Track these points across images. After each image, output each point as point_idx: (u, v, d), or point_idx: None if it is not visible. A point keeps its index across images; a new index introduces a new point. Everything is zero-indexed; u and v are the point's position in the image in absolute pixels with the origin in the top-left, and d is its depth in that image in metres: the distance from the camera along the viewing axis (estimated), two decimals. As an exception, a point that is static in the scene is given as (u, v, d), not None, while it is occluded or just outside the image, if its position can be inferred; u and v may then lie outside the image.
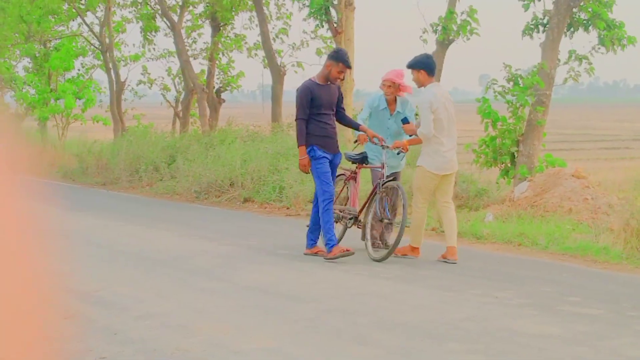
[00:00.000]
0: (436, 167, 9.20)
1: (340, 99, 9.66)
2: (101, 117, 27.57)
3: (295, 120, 9.52)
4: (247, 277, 8.35)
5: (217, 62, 22.45)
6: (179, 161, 17.22)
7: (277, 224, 12.77)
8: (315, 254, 9.58)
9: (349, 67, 9.57)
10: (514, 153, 14.06)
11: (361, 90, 70.97)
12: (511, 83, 13.98)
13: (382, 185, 9.45)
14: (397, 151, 9.62)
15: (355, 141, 9.94)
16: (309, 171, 9.46)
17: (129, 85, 25.71)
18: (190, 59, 22.53)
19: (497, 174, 14.05)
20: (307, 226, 10.34)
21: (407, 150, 9.73)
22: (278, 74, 19.78)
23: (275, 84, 19.85)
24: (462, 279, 8.32)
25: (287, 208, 14.02)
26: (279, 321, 6.55)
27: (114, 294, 7.60)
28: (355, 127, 9.76)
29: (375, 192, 9.56)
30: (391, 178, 9.55)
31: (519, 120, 14.10)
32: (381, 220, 9.65)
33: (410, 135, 9.54)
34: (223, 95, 22.56)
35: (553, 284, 8.07)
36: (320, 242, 9.68)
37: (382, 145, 9.54)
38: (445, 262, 9.16)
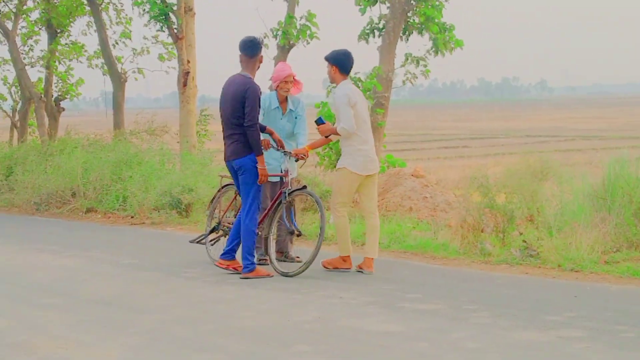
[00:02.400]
0: (360, 167, 8.79)
1: None
2: None
3: (250, 125, 8.48)
4: (89, 290, 8.16)
5: (55, 69, 21.77)
6: (17, 172, 16.65)
7: (121, 233, 12.55)
8: (233, 269, 8.83)
9: None
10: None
11: (206, 96, 70.60)
12: (351, 86, 14.21)
13: (289, 194, 8.89)
14: (293, 158, 9.08)
15: None
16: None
17: (-39, 95, 24.61)
18: (27, 67, 21.81)
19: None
20: (191, 241, 10.09)
21: (308, 156, 9.19)
22: (119, 80, 19.45)
23: (117, 91, 19.50)
24: (308, 281, 8.41)
25: (132, 217, 13.80)
26: (121, 334, 6.43)
27: (-53, 314, 7.26)
28: (262, 129, 8.90)
29: (280, 202, 8.96)
30: (301, 186, 9.06)
31: (360, 122, 14.36)
32: (291, 233, 9.11)
33: (327, 136, 9.10)
34: (63, 104, 21.94)
35: (395, 282, 8.27)
36: (239, 257, 8.89)
37: (283, 152, 9.01)
38: (361, 272, 8.81)
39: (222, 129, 8.90)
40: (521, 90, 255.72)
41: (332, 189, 9.13)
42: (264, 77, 9.42)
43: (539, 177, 12.12)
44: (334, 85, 9.24)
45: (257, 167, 8.60)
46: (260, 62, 8.86)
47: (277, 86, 9.34)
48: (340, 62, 8.97)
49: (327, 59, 9.05)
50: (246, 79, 8.65)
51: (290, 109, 9.45)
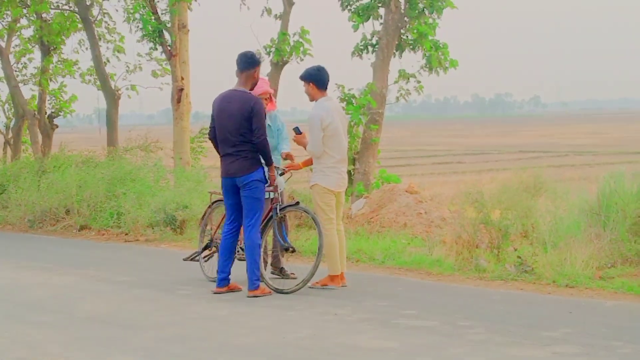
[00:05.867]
0: (331, 183, 8.83)
1: None
2: None
3: (263, 139, 8.51)
4: (84, 308, 8.13)
5: (47, 87, 21.72)
6: (10, 190, 16.61)
7: (116, 250, 12.52)
8: (230, 290, 8.75)
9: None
10: (350, 171, 14.34)
11: (200, 112, 70.56)
12: (345, 102, 14.28)
13: (280, 210, 8.88)
14: (279, 171, 9.09)
15: None
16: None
17: (-47, 112, 24.57)
18: (21, 84, 21.82)
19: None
20: (185, 259, 10.00)
21: (296, 168, 9.23)
22: (112, 97, 19.44)
23: (110, 108, 19.49)
24: (303, 297, 8.39)
25: (126, 234, 13.77)
26: (116, 352, 6.40)
27: (-60, 332, 7.23)
28: None
29: (271, 218, 8.90)
30: (294, 202, 9.07)
31: (354, 138, 14.42)
32: (286, 249, 8.96)
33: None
34: (57, 121, 21.93)
35: (390, 298, 8.26)
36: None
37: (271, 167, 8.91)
38: (333, 288, 8.80)
39: (218, 146, 8.79)
40: (514, 106, 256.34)
41: (313, 209, 9.03)
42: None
43: (532, 192, 12.14)
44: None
45: (262, 183, 8.58)
46: (254, 78, 8.79)
47: None
48: (316, 78, 8.96)
49: (302, 78, 9.03)
50: (248, 95, 8.64)
51: (269, 125, 9.37)
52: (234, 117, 8.55)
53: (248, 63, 8.78)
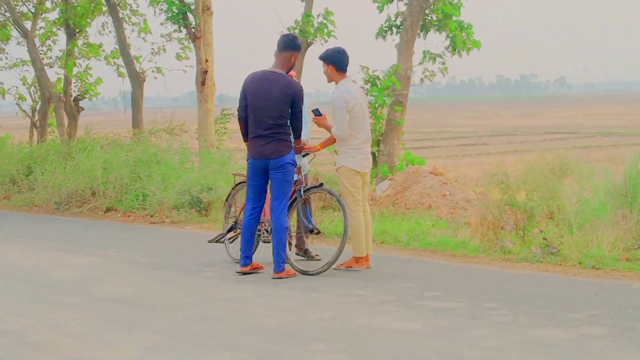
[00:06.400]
0: (357, 164, 8.80)
1: None
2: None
3: (301, 122, 8.67)
4: (109, 289, 8.17)
5: (74, 69, 21.81)
6: (37, 172, 16.74)
7: (141, 232, 12.58)
8: (254, 270, 8.79)
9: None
10: (374, 153, 14.31)
11: (224, 95, 70.87)
12: (369, 84, 14.23)
13: (304, 191, 8.87)
14: (302, 153, 9.03)
15: None
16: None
17: (-20, 96, 24.75)
18: (46, 67, 21.91)
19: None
20: (210, 241, 10.05)
21: (315, 150, 9.11)
22: (137, 80, 19.50)
23: (135, 90, 19.56)
24: (326, 279, 8.39)
25: (151, 216, 13.83)
26: (140, 332, 6.43)
27: (-33, 313, 7.30)
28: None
29: (295, 200, 8.87)
30: (318, 184, 9.06)
31: (379, 120, 14.38)
32: (310, 231, 8.93)
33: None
34: (82, 103, 22.04)
35: (414, 280, 8.23)
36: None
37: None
38: (357, 270, 8.82)
39: (248, 127, 8.68)
40: (540, 87, 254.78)
41: (340, 191, 8.98)
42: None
43: (558, 174, 12.06)
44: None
45: (294, 166, 8.60)
46: (290, 62, 8.74)
47: None
48: (336, 60, 8.90)
49: (322, 58, 8.97)
50: (288, 79, 8.62)
51: None
52: (273, 100, 8.49)
53: (288, 44, 8.74)
